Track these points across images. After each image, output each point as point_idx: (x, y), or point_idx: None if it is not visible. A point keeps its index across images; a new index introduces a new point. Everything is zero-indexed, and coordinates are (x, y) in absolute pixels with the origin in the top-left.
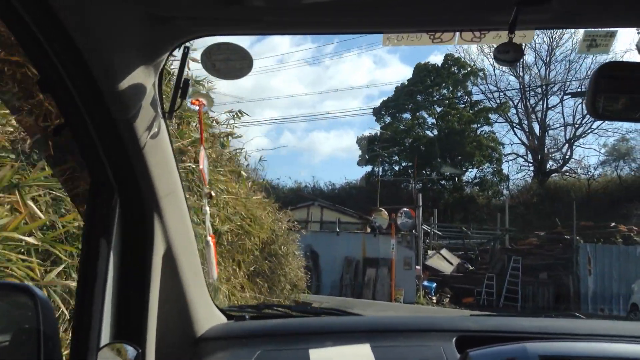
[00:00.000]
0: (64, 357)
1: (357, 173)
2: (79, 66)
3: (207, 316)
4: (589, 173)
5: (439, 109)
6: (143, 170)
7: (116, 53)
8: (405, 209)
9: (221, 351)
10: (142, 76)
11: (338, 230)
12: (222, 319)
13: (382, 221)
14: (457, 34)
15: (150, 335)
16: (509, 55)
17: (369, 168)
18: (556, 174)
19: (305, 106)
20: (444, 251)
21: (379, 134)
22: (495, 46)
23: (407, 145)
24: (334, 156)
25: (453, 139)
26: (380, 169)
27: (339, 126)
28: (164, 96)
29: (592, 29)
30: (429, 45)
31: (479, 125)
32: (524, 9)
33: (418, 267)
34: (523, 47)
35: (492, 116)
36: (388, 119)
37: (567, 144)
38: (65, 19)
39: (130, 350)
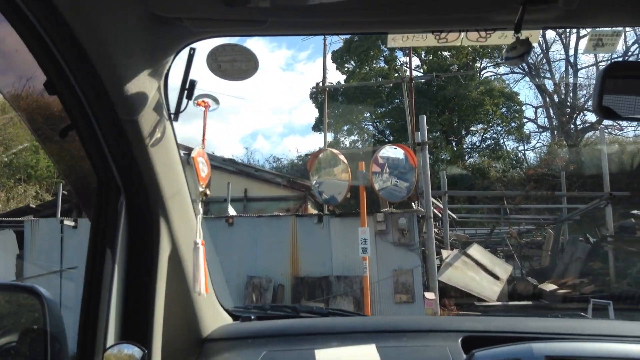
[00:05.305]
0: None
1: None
2: (85, 68)
3: (213, 316)
4: None
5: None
6: (149, 171)
7: (122, 54)
8: (392, 151)
9: (227, 352)
10: (148, 77)
11: (231, 214)
12: (228, 320)
13: (336, 186)
14: (463, 34)
15: (157, 336)
16: (516, 51)
17: (330, 136)
18: (592, 131)
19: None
20: (475, 250)
21: (342, 86)
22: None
23: (384, 98)
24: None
25: (448, 83)
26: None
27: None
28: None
29: (598, 29)
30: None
31: (482, 65)
32: (530, 9)
33: (430, 297)
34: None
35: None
36: (352, 65)
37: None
38: (72, 20)
39: (137, 351)
